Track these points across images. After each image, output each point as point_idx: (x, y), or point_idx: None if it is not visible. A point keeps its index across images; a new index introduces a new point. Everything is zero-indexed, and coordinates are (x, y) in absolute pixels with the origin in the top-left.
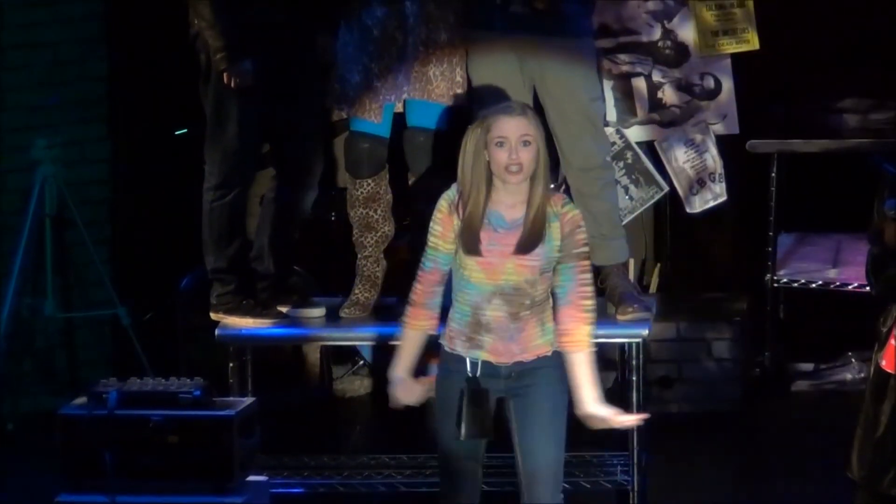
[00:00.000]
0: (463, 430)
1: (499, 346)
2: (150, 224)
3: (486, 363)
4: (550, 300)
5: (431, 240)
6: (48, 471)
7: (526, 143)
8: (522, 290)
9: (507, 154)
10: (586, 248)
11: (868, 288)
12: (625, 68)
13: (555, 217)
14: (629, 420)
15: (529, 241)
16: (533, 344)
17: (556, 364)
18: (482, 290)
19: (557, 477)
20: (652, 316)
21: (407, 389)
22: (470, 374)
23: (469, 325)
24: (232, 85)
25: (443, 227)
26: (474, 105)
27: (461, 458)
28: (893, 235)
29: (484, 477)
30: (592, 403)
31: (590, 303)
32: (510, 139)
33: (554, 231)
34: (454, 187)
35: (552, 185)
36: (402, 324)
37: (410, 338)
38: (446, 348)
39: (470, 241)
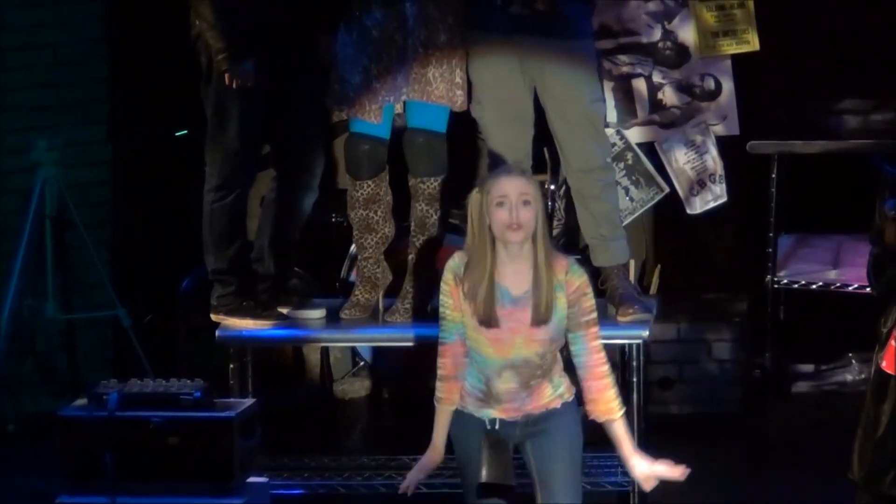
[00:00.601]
0: (483, 474)
1: (510, 408)
2: (150, 225)
3: (498, 420)
4: (559, 359)
5: (446, 313)
6: (49, 472)
7: (526, 203)
8: (533, 363)
9: (507, 213)
10: (595, 314)
11: (869, 289)
12: (625, 69)
13: (560, 287)
14: (679, 472)
15: (543, 312)
16: (543, 402)
17: (570, 411)
18: (493, 363)
19: None
20: (652, 317)
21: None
22: (488, 427)
23: (481, 391)
24: (233, 86)
25: (453, 298)
26: (474, 106)
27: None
28: (894, 236)
29: None
30: (645, 465)
31: (607, 367)
32: (510, 198)
33: (560, 302)
34: (457, 257)
35: (552, 186)
36: (437, 400)
37: (445, 413)
38: (458, 406)
39: (484, 314)
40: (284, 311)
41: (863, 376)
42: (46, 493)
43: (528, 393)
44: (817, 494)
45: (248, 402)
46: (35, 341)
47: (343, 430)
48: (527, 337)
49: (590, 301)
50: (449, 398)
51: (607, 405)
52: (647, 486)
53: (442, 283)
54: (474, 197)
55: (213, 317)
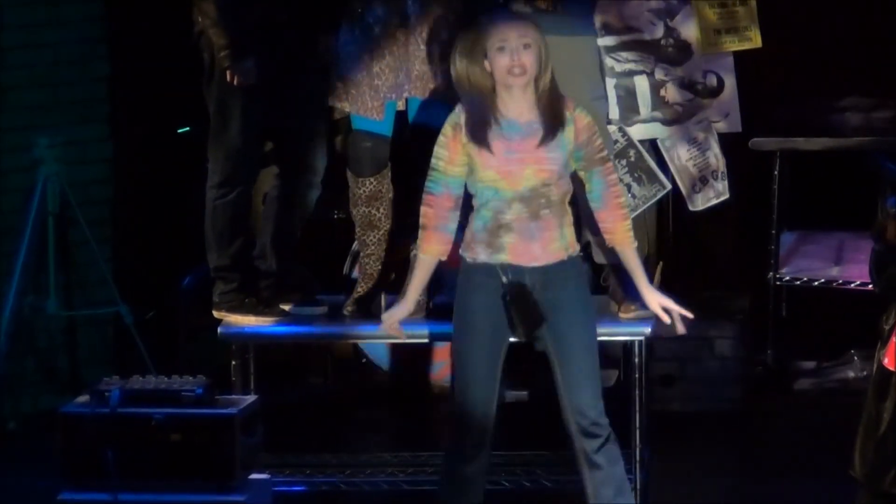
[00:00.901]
0: (520, 330)
1: (519, 246)
2: (152, 222)
3: (509, 267)
4: (568, 207)
5: (439, 164)
6: (50, 469)
7: (526, 47)
8: (539, 192)
9: (508, 57)
10: (605, 152)
11: (871, 286)
12: (627, 66)
13: (569, 122)
14: (681, 312)
15: (551, 130)
16: (552, 246)
17: (577, 270)
18: (502, 195)
19: (596, 379)
20: (654, 314)
21: (402, 318)
22: (503, 280)
23: (490, 229)
24: (235, 83)
25: (449, 151)
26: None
27: (478, 374)
28: (895, 233)
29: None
30: (651, 292)
31: (623, 200)
32: (510, 42)
33: (568, 134)
34: (458, 108)
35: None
36: (415, 250)
37: (424, 263)
38: (467, 259)
39: (481, 135)
40: (286, 307)
41: (864, 373)
42: (48, 491)
43: (538, 225)
44: (819, 492)
45: (250, 398)
46: (36, 338)
47: (345, 427)
48: (536, 166)
49: (599, 140)
50: (427, 248)
51: (624, 234)
52: (664, 318)
53: (440, 136)
54: (466, 36)
55: (215, 313)
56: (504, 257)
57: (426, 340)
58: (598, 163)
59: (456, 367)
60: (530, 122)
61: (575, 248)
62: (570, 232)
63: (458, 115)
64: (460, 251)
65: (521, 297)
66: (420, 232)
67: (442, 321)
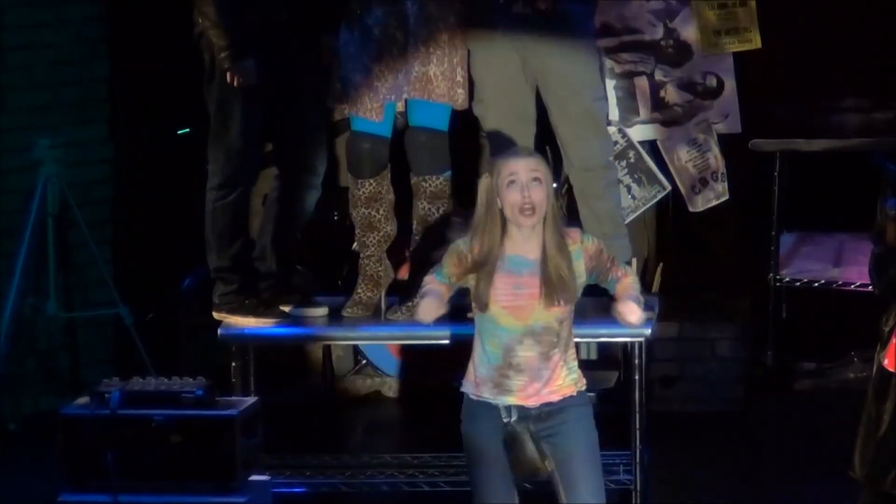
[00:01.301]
0: (517, 474)
1: (528, 387)
2: (152, 224)
3: (514, 406)
4: (573, 343)
5: (444, 270)
6: (51, 470)
7: (536, 181)
8: (552, 329)
9: (519, 193)
10: (615, 260)
11: (871, 287)
12: (627, 67)
13: (578, 255)
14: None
15: (553, 291)
16: (559, 384)
17: (584, 402)
18: (513, 332)
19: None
20: (654, 315)
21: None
22: (504, 420)
23: (499, 369)
24: (235, 84)
25: (457, 269)
26: (476, 105)
27: (496, 497)
28: (895, 235)
29: None
30: (621, 300)
31: (630, 279)
32: (520, 176)
33: (578, 268)
34: (461, 242)
35: (554, 185)
36: (422, 294)
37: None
38: (472, 396)
39: (483, 293)
40: (286, 309)
41: (864, 374)
42: (48, 492)
43: (547, 367)
44: (819, 493)
45: (250, 400)
46: (36, 340)
47: (345, 429)
48: (546, 304)
49: (606, 253)
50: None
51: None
52: (619, 316)
53: (450, 251)
54: (483, 181)
55: (215, 315)
56: (511, 399)
57: (426, 342)
58: (612, 270)
59: (475, 497)
60: (538, 258)
61: (583, 383)
62: (575, 366)
63: (464, 245)
64: (462, 385)
65: (520, 444)
66: (419, 298)
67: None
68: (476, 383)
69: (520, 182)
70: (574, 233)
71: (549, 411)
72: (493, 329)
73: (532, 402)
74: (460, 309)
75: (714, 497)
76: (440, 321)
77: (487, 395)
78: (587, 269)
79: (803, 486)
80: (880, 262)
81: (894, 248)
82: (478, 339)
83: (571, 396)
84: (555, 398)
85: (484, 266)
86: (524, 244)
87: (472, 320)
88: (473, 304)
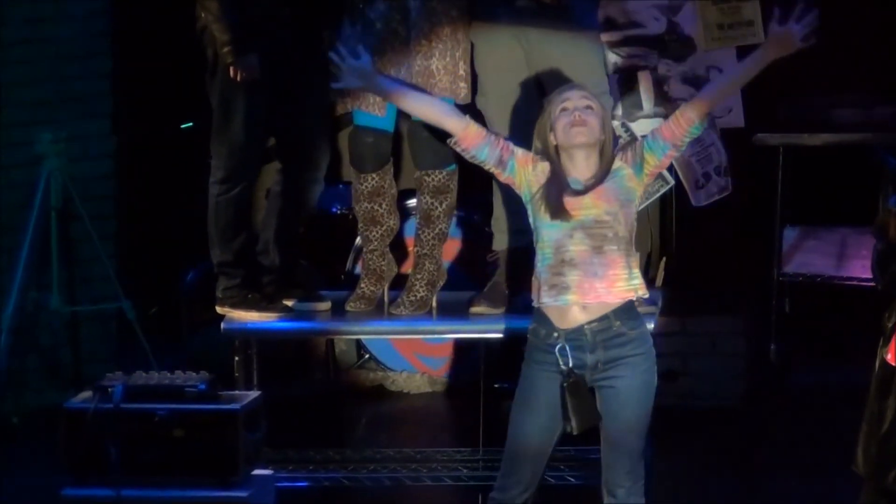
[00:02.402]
0: (574, 424)
1: (584, 283)
2: (155, 218)
3: (574, 342)
4: (633, 247)
5: (517, 148)
6: (53, 465)
7: (589, 108)
8: (604, 222)
9: (570, 115)
10: (645, 136)
11: (873, 282)
12: (630, 61)
13: (617, 160)
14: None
15: (597, 179)
16: (618, 286)
17: (644, 349)
18: (562, 226)
19: (636, 469)
20: (657, 310)
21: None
22: (563, 367)
23: (552, 267)
24: (238, 79)
25: (524, 158)
26: (479, 98)
27: (531, 446)
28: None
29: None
30: (763, 49)
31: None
32: (573, 102)
33: (619, 165)
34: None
35: None
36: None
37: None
38: (534, 304)
39: (556, 205)
40: (289, 303)
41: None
42: (51, 486)
43: (602, 261)
44: (821, 488)
45: (253, 394)
46: (40, 334)
47: (348, 423)
48: (594, 196)
49: (638, 141)
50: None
51: (696, 99)
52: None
53: (521, 149)
54: (541, 118)
55: (219, 309)
56: (569, 297)
57: (429, 337)
58: (642, 144)
59: (511, 434)
60: (590, 178)
61: (644, 291)
62: (637, 273)
63: (537, 156)
64: (532, 302)
65: (578, 392)
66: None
67: (444, 317)
68: (536, 288)
69: (572, 107)
70: (617, 155)
71: (606, 360)
72: (543, 226)
73: (590, 300)
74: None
75: (716, 491)
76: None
77: (547, 298)
78: (630, 164)
79: (806, 481)
80: (883, 258)
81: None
82: (535, 247)
83: (630, 310)
84: (611, 299)
85: (553, 178)
86: (577, 172)
87: (476, 314)
88: (533, 214)
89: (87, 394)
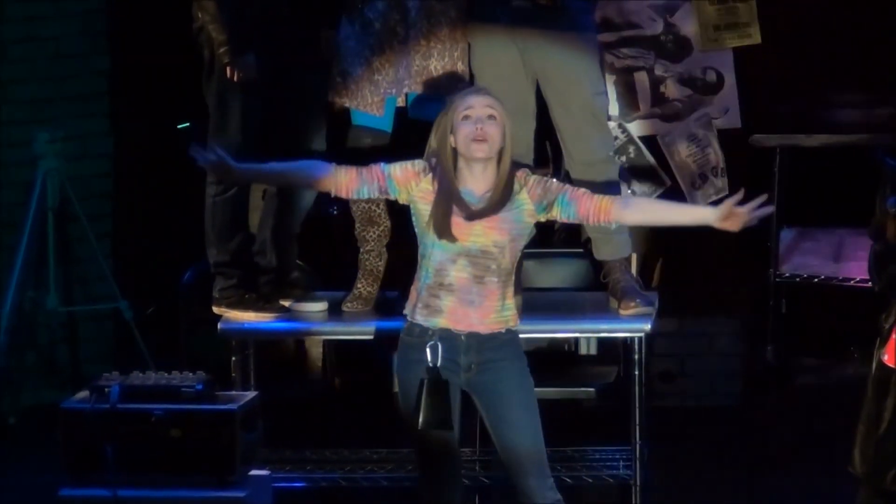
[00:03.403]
0: (420, 420)
1: (458, 310)
2: (152, 218)
3: (447, 342)
4: (513, 282)
5: (396, 165)
6: (50, 465)
7: (491, 118)
8: (490, 254)
9: (472, 125)
10: (565, 185)
11: (870, 284)
12: (627, 62)
13: (521, 188)
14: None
15: (493, 204)
16: (491, 317)
17: (515, 347)
18: (448, 249)
19: (542, 468)
20: (654, 311)
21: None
22: (430, 363)
23: (430, 288)
24: (234, 78)
25: (404, 175)
26: None
27: (432, 444)
28: (895, 232)
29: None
30: (713, 212)
31: (589, 193)
32: (475, 111)
33: (523, 196)
34: (427, 162)
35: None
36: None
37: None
38: (407, 317)
39: (442, 225)
40: (286, 303)
41: (864, 370)
42: (48, 486)
43: (479, 291)
44: (819, 489)
45: (250, 394)
46: (36, 334)
47: (345, 423)
48: (486, 225)
49: (556, 183)
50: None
51: (610, 203)
52: (731, 226)
53: (408, 162)
54: (440, 120)
55: (215, 309)
56: (440, 321)
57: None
58: (558, 191)
59: (411, 442)
60: (486, 192)
61: (515, 322)
62: (511, 305)
63: (426, 166)
64: (405, 310)
65: (436, 389)
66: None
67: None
68: (412, 305)
69: (474, 117)
70: (521, 172)
71: (479, 362)
72: (430, 246)
73: (461, 328)
74: None
75: (714, 492)
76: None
77: (419, 317)
78: (531, 198)
79: (803, 481)
80: (880, 259)
81: (894, 246)
82: (419, 261)
83: (500, 333)
84: (482, 330)
85: (441, 195)
86: (474, 182)
87: None
88: (420, 230)
89: (83, 394)
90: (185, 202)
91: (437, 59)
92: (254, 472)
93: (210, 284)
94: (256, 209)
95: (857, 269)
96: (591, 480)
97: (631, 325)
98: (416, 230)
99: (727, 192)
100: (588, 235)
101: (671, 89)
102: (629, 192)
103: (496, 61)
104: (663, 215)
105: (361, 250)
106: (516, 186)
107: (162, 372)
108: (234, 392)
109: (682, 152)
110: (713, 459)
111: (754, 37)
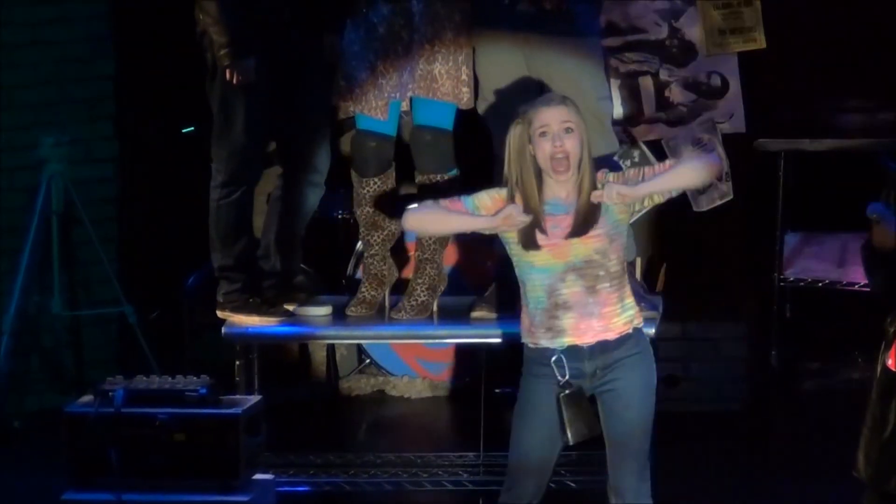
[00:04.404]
0: (570, 435)
1: (580, 324)
2: (156, 222)
3: (570, 353)
4: (628, 281)
5: (479, 197)
6: (55, 469)
7: (569, 131)
8: (595, 262)
9: (550, 143)
10: (640, 170)
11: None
12: (632, 67)
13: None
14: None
15: (583, 225)
16: (614, 322)
17: (640, 349)
18: (553, 270)
19: (643, 471)
20: (658, 315)
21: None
22: (560, 379)
23: (546, 311)
24: (235, 81)
25: (492, 202)
26: (480, 104)
27: (532, 459)
28: (879, 238)
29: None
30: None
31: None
32: (552, 127)
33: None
34: (501, 189)
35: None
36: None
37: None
38: (529, 344)
39: (529, 238)
40: (290, 307)
41: (868, 375)
42: (52, 490)
43: (596, 301)
44: (823, 493)
45: (254, 398)
46: (41, 338)
47: (349, 428)
48: (582, 239)
49: (631, 171)
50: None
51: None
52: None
53: (492, 190)
54: (514, 130)
55: (220, 313)
56: (566, 340)
57: (430, 341)
58: (636, 178)
59: (512, 448)
60: (571, 198)
61: (640, 320)
62: (631, 303)
63: (507, 192)
64: (522, 338)
65: (575, 401)
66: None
67: (445, 322)
68: (531, 332)
69: (551, 132)
70: (601, 174)
71: (605, 364)
72: (532, 272)
73: (588, 340)
74: (461, 309)
75: (718, 497)
76: (443, 320)
77: (543, 341)
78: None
79: (807, 486)
80: (869, 264)
81: (880, 251)
82: (522, 289)
83: (628, 335)
84: (610, 336)
85: (529, 212)
86: (559, 189)
87: (477, 319)
88: (517, 257)
89: (88, 398)
90: (189, 206)
91: (442, 64)
92: (258, 476)
93: (214, 288)
94: (261, 213)
95: (861, 274)
96: (592, 484)
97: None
98: (512, 258)
99: (731, 197)
100: None
101: (676, 94)
102: None
103: (501, 66)
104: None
105: (366, 254)
106: (599, 186)
107: (166, 376)
108: (238, 396)
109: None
110: (717, 464)
111: (759, 41)
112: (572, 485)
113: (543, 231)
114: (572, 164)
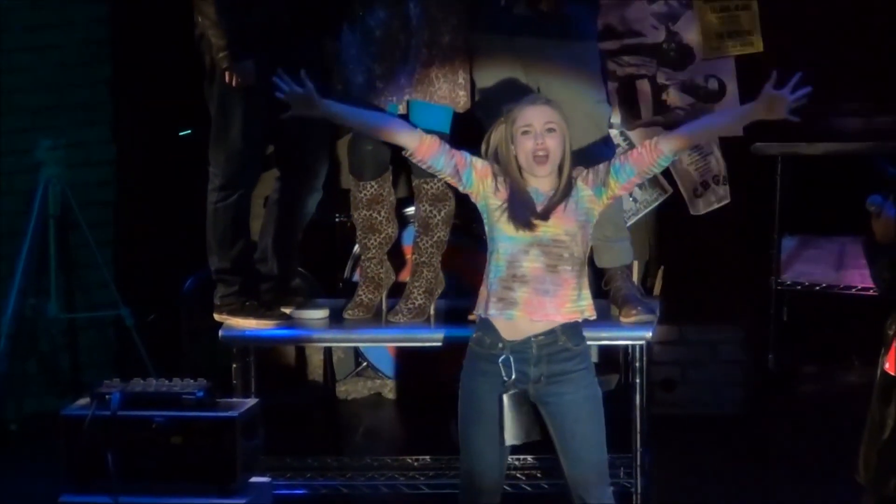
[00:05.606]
0: (506, 436)
1: (533, 300)
2: (153, 225)
3: (518, 355)
4: (587, 272)
5: (475, 159)
6: (51, 472)
7: (551, 130)
8: (562, 242)
9: (532, 140)
10: (611, 160)
11: (871, 290)
12: (629, 70)
13: (576, 180)
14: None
15: (557, 200)
16: (567, 306)
17: (585, 364)
18: (519, 240)
19: (604, 477)
20: (656, 318)
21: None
22: (505, 379)
23: (502, 281)
24: (233, 84)
25: (484, 170)
26: (477, 107)
27: (485, 460)
28: (879, 229)
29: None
30: (753, 106)
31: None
32: (535, 126)
33: (579, 185)
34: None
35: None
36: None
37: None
38: (480, 314)
39: (521, 215)
40: (287, 311)
41: (867, 378)
42: (49, 493)
43: (554, 280)
44: (822, 497)
45: (251, 402)
46: (38, 341)
47: (346, 431)
48: (554, 216)
49: (602, 164)
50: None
51: (665, 135)
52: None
53: (478, 158)
54: (498, 128)
55: (217, 317)
56: (515, 313)
57: (427, 344)
58: (607, 167)
59: (462, 452)
60: (551, 191)
61: (591, 313)
62: (588, 296)
63: (496, 169)
64: (475, 309)
65: (517, 403)
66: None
67: (442, 325)
68: (483, 301)
69: (534, 131)
70: (576, 170)
71: (550, 374)
72: (501, 239)
73: (537, 318)
74: (458, 312)
75: (715, 500)
76: (440, 323)
77: (493, 310)
78: (588, 185)
79: (806, 489)
80: (871, 255)
81: (881, 244)
82: (489, 258)
83: (575, 326)
84: (559, 319)
85: (517, 191)
86: (538, 182)
87: (472, 322)
88: (490, 224)
89: (84, 401)
90: (186, 209)
91: (439, 68)
92: (255, 480)
93: (211, 292)
94: (258, 217)
95: (858, 278)
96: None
97: (632, 332)
98: (485, 226)
99: (728, 200)
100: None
101: (673, 97)
102: (630, 199)
103: (497, 70)
104: (708, 128)
105: (363, 257)
106: (574, 182)
107: (163, 379)
108: (235, 399)
109: (684, 160)
110: (714, 467)
111: (756, 45)
112: (546, 486)
113: (535, 212)
114: (552, 163)
